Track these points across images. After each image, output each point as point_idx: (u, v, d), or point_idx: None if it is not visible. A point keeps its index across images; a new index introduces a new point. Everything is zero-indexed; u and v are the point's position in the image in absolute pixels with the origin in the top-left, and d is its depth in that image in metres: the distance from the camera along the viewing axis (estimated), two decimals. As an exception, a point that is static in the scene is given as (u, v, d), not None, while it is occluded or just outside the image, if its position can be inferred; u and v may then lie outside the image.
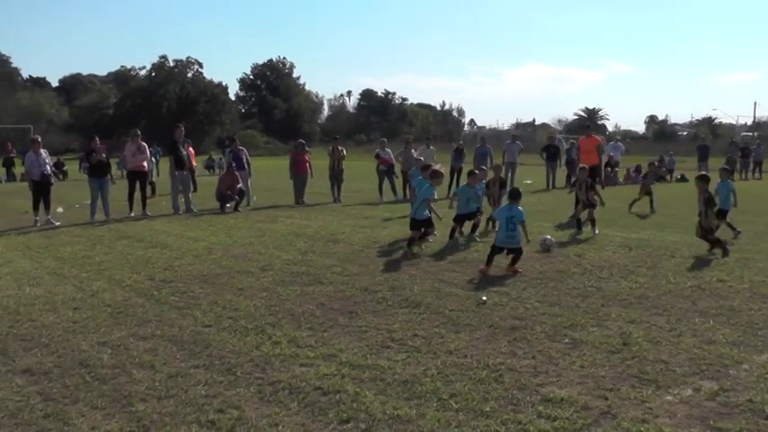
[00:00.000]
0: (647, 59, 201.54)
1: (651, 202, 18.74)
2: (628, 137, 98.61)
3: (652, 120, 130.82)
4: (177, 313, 8.19)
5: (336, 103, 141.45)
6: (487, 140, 28.66)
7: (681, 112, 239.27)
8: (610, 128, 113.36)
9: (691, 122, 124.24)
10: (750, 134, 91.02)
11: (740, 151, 40.56)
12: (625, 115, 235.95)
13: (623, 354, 6.54)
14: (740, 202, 14.32)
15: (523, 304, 8.39)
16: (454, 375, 5.93)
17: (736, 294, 8.95)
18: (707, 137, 66.28)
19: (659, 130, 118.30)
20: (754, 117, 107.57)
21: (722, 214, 13.39)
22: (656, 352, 6.59)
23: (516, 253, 10.30)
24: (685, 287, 9.37)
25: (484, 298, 8.55)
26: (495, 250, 10.36)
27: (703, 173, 12.71)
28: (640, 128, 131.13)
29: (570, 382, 5.80)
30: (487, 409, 5.19)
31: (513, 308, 8.22)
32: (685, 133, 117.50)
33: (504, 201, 12.38)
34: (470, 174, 14.19)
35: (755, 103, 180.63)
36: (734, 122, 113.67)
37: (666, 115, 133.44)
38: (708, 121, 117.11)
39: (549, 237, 12.46)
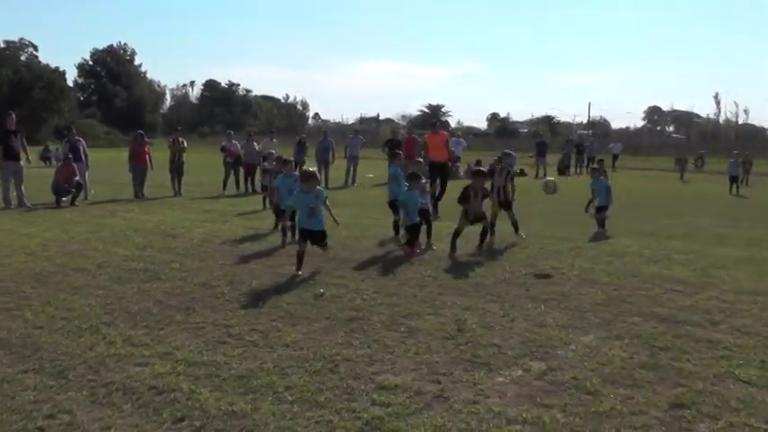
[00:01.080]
0: (492, 59, 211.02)
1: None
2: (470, 133, 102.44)
3: (494, 117, 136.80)
4: (6, 315, 7.73)
5: (179, 93, 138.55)
6: (330, 134, 28.96)
7: (522, 110, 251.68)
8: (453, 124, 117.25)
9: (531, 120, 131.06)
10: (585, 132, 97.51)
11: (576, 148, 43.94)
12: (468, 112, 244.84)
13: (457, 339, 6.86)
14: (575, 195, 15.28)
15: (361, 295, 8.58)
16: (290, 368, 6.00)
17: (567, 281, 9.63)
18: (545, 134, 70.35)
19: (501, 128, 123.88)
20: (589, 116, 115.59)
21: (601, 210, 14.74)
22: (489, 336, 6.96)
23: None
24: (520, 275, 9.95)
25: (321, 290, 8.67)
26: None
27: (480, 168, 13.70)
28: (483, 125, 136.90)
29: (405, 369, 6.01)
30: (322, 400, 5.29)
31: (351, 299, 8.39)
32: (526, 131, 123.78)
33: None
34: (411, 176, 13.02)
35: (590, 104, 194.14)
36: (571, 121, 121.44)
37: (508, 113, 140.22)
38: (547, 120, 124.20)
39: (550, 179, 12.99)
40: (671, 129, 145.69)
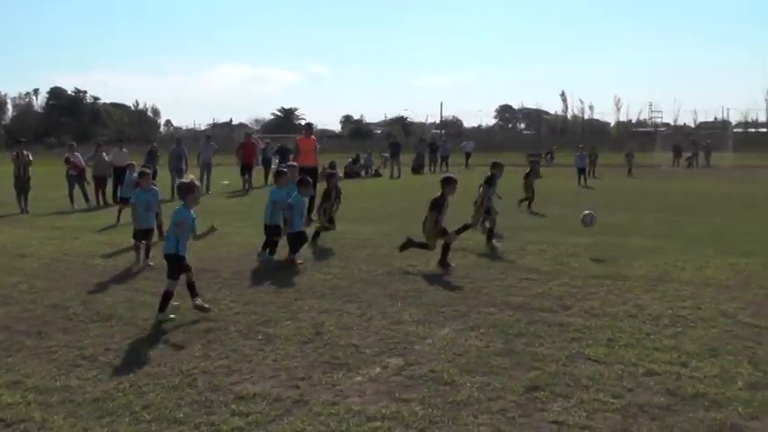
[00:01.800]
0: (344, 61, 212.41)
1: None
2: (324, 136, 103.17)
3: (347, 119, 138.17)
4: None
5: (22, 103, 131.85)
6: (184, 141, 28.36)
7: (376, 111, 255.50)
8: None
9: (385, 121, 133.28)
10: (438, 132, 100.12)
11: (429, 147, 45.17)
12: (321, 115, 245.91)
13: (316, 343, 6.92)
14: (427, 193, 15.45)
15: (218, 305, 8.48)
16: (147, 386, 5.86)
17: (423, 278, 9.93)
18: (398, 135, 71.91)
19: (355, 129, 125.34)
20: (442, 116, 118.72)
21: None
22: (347, 337, 7.08)
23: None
24: (377, 274, 10.15)
25: (176, 303, 8.50)
26: None
27: (331, 171, 13.79)
28: (336, 127, 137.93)
29: (263, 377, 6.02)
30: (181, 416, 5.21)
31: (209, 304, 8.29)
32: (380, 131, 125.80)
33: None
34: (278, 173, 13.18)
35: (442, 104, 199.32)
36: (424, 121, 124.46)
37: (362, 115, 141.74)
38: (400, 120, 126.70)
39: (588, 212, 13.32)
40: (522, 126, 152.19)
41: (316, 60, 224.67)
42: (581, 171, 31.38)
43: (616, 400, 5.37)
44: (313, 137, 19.11)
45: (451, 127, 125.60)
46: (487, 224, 13.06)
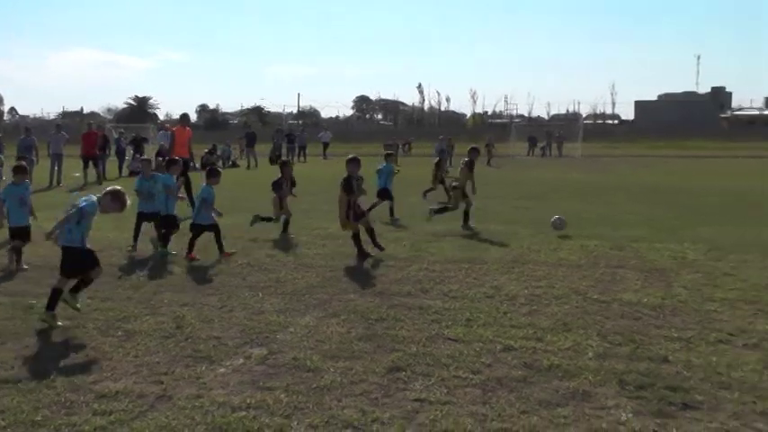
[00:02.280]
0: (200, 49, 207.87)
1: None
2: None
3: (203, 108, 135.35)
4: None
5: None
6: (33, 131, 27.03)
7: (232, 101, 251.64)
8: (161, 116, 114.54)
9: (241, 111, 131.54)
10: (295, 122, 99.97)
11: (286, 138, 45.03)
12: (177, 104, 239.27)
13: (177, 337, 6.86)
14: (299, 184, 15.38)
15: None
16: (1, 391, 5.63)
17: (283, 267, 10.03)
18: (255, 125, 71.24)
19: (211, 119, 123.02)
20: (299, 106, 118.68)
21: (384, 194, 15.33)
22: (208, 330, 7.05)
23: None
24: (236, 265, 10.13)
25: (33, 301, 8.16)
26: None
27: (285, 159, 13.61)
28: (192, 117, 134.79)
29: (125, 374, 5.91)
30: (39, 419, 5.04)
31: (63, 308, 7.96)
32: (236, 121, 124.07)
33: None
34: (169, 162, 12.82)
35: (299, 94, 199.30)
36: (281, 111, 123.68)
37: (218, 104, 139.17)
38: (257, 110, 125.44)
39: (557, 217, 13.22)
40: (379, 116, 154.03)
41: (172, 47, 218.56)
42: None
43: (475, 376, 5.67)
44: (188, 128, 18.74)
45: (309, 117, 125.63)
46: (464, 206, 13.97)
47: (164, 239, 11.35)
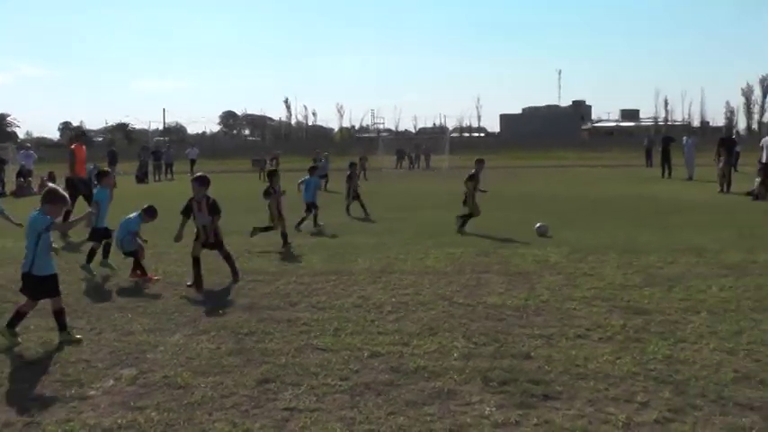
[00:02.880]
0: (59, 62, 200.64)
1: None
2: (42, 144, 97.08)
3: (66, 126, 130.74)
4: None
5: None
6: None
7: (96, 117, 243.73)
8: (21, 135, 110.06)
9: (106, 128, 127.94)
10: (162, 138, 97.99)
11: (153, 155, 44.26)
12: (38, 122, 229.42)
13: (45, 362, 6.70)
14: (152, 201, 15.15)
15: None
16: None
17: (152, 287, 9.95)
18: (120, 142, 69.42)
19: (75, 137, 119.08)
20: (165, 122, 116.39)
21: (311, 206, 16.36)
22: (77, 353, 6.91)
23: None
24: (105, 287, 10.07)
25: None
26: None
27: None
28: (55, 135, 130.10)
29: (-17, 405, 5.74)
30: None
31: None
32: (101, 139, 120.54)
33: None
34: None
35: (165, 110, 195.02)
36: (147, 128, 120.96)
37: (81, 121, 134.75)
38: (122, 127, 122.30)
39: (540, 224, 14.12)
40: (246, 132, 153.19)
41: (28, 61, 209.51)
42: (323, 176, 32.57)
43: (344, 382, 5.85)
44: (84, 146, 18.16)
45: (175, 133, 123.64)
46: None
47: (93, 255, 11.11)
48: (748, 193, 22.88)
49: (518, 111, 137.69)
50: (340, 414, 5.23)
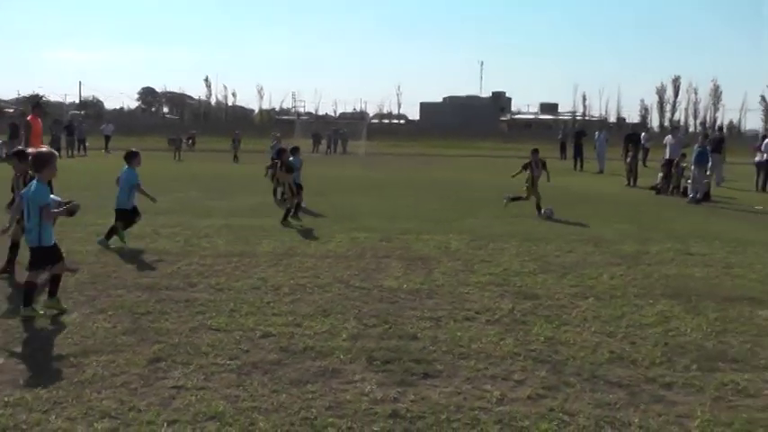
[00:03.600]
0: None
1: None
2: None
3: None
4: None
5: None
6: None
7: (6, 88, 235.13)
8: None
9: (18, 99, 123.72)
10: (77, 112, 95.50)
11: (66, 129, 42.93)
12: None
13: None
14: (65, 180, 14.89)
15: None
16: None
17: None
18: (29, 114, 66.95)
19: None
20: (81, 96, 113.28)
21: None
22: (-40, 330, 6.78)
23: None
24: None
25: None
26: None
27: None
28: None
29: None
30: None
31: None
32: (12, 110, 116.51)
33: None
34: None
35: (81, 83, 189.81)
36: (62, 101, 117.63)
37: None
38: (35, 99, 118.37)
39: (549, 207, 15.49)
40: (165, 110, 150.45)
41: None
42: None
43: (232, 362, 5.94)
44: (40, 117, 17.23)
45: (92, 108, 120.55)
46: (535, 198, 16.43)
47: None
48: (652, 188, 23.83)
49: (438, 99, 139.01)
50: (225, 392, 5.32)
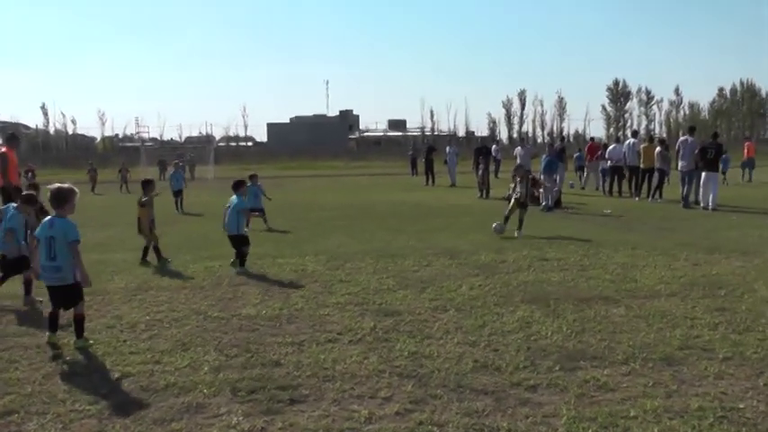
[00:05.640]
0: None
1: None
2: None
3: None
4: None
5: None
6: None
7: None
8: None
9: None
10: None
11: None
12: None
13: None
14: None
15: None
16: None
17: None
18: None
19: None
20: None
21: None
22: None
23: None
24: None
25: None
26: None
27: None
28: None
29: None
30: None
31: None
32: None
33: None
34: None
35: None
36: None
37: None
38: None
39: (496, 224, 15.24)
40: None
41: None
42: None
43: (92, 407, 5.75)
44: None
45: None
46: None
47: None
48: (505, 198, 24.75)
49: (286, 120, 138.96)
50: (86, 441, 5.17)
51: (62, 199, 7.51)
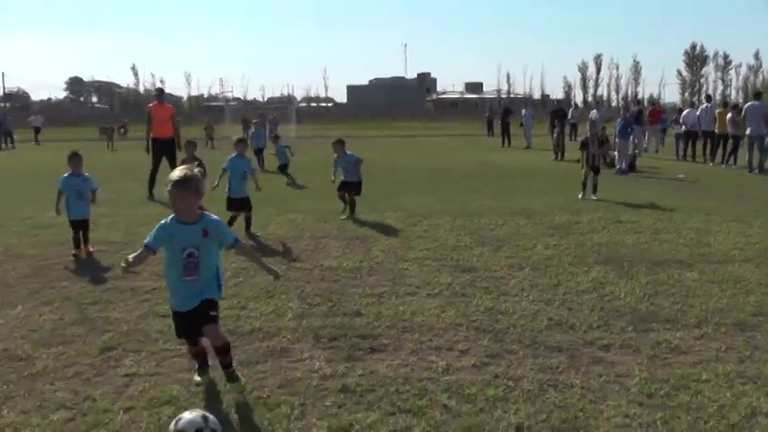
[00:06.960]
0: None
1: None
2: None
3: None
4: None
5: None
6: None
7: None
8: None
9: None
10: (2, 105, 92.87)
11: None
12: None
13: None
14: (21, 170, 14.61)
15: None
16: None
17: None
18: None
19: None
20: (4, 88, 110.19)
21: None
22: None
23: None
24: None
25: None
26: None
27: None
28: None
29: None
30: None
31: None
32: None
33: None
34: None
35: (3, 74, 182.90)
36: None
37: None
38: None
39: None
40: (94, 99, 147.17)
41: None
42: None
43: (182, 347, 5.83)
44: (167, 104, 17.26)
45: (18, 100, 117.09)
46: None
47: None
48: (578, 161, 24.30)
49: (365, 82, 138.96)
50: (178, 377, 5.31)
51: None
